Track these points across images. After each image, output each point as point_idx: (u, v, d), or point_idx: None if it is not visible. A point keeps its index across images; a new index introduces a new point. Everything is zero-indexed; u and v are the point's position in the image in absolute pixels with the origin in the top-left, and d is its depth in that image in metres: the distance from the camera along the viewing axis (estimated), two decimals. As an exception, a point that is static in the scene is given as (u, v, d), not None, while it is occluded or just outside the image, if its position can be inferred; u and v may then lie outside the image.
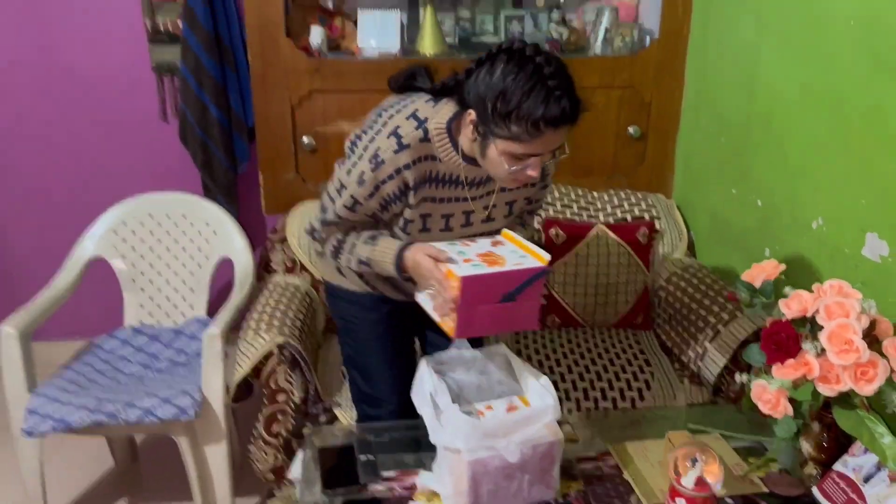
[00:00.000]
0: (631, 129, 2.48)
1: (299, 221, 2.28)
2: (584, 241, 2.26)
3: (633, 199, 2.42)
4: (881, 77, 1.56)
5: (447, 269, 1.34)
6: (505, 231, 1.52)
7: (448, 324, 1.39)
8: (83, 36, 2.47)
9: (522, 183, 1.39)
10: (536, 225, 2.31)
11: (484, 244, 1.47)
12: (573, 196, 2.42)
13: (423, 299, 1.48)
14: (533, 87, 1.21)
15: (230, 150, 2.50)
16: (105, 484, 2.26)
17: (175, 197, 2.27)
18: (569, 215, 2.37)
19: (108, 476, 2.28)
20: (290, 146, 2.39)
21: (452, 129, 1.37)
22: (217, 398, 1.87)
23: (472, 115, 1.30)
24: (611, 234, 2.28)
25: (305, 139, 2.39)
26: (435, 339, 1.77)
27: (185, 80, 2.42)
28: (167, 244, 2.24)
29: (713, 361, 1.94)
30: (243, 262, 2.18)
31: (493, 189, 1.48)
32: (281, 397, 1.86)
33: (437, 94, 1.40)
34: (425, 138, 1.36)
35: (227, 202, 2.50)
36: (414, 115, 1.38)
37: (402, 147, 1.35)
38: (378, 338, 1.69)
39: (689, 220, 2.46)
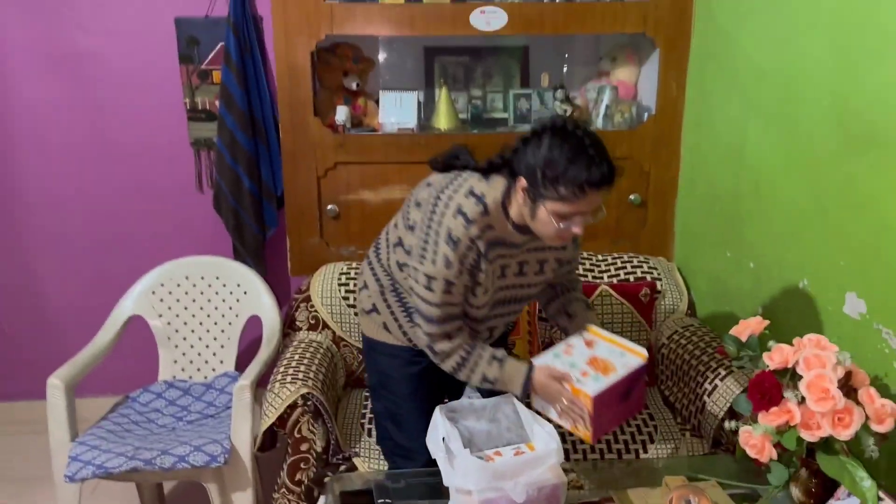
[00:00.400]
0: (632, 197, 2.65)
1: (322, 282, 2.45)
2: (590, 300, 2.40)
3: (635, 262, 2.57)
4: (851, 150, 1.72)
5: (573, 387, 1.58)
6: (590, 327, 1.76)
7: (581, 430, 1.61)
8: (130, 114, 2.72)
9: (567, 241, 1.59)
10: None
11: (581, 348, 1.69)
12: (580, 258, 2.58)
13: (543, 405, 1.68)
14: (577, 156, 1.44)
15: (260, 217, 2.70)
16: (133, 532, 2.37)
17: (209, 260, 2.46)
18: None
19: (137, 524, 2.40)
20: (316, 213, 2.59)
21: (505, 202, 1.58)
22: (245, 447, 2.00)
23: (522, 182, 1.50)
24: (615, 293, 2.43)
25: (330, 207, 2.58)
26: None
27: (221, 154, 2.64)
28: (201, 303, 2.42)
29: (711, 414, 2.05)
30: (271, 319, 2.35)
31: (532, 247, 1.68)
32: (304, 446, 1.99)
33: (485, 171, 1.60)
34: (485, 212, 1.56)
35: (256, 264, 2.68)
36: (472, 193, 1.57)
37: (469, 223, 1.54)
38: (414, 391, 1.84)
39: (689, 281, 2.60)
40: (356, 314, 2.41)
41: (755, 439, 1.47)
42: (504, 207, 1.58)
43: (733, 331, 1.66)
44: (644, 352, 1.63)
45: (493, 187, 1.57)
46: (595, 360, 1.63)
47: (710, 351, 2.19)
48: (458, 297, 1.62)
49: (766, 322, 1.63)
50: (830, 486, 1.54)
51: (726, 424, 1.55)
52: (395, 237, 1.75)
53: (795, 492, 1.59)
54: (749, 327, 1.64)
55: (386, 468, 2.01)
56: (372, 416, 2.22)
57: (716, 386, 2.06)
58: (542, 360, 1.67)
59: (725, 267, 2.35)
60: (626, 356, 1.63)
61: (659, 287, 2.50)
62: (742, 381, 2.00)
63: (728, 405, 2.00)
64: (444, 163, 1.68)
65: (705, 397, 2.09)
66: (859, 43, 1.68)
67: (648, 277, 2.52)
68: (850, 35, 1.71)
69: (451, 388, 1.92)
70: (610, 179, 1.48)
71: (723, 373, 2.07)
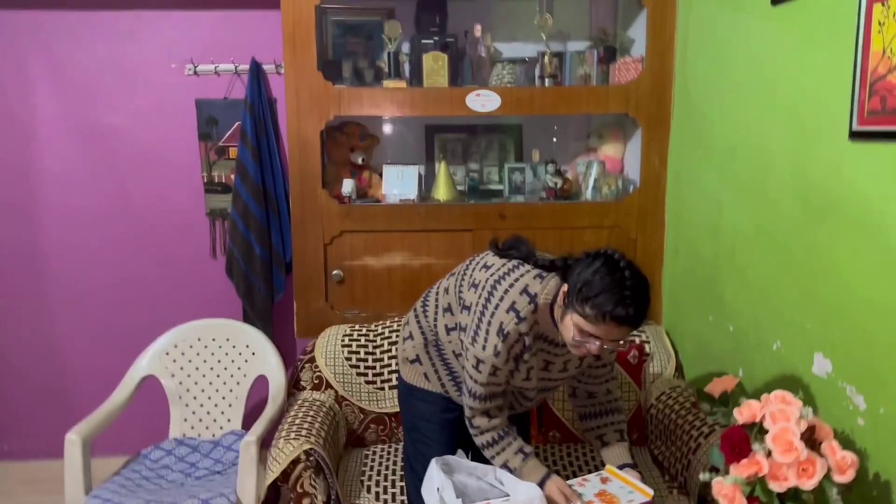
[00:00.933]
0: (620, 264, 2.80)
1: (326, 343, 2.59)
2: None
3: (624, 325, 2.69)
4: (811, 219, 1.88)
5: None
6: (609, 467, 1.92)
7: None
8: (150, 185, 2.93)
9: (584, 354, 1.70)
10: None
11: (594, 482, 1.85)
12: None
13: None
14: (612, 289, 1.56)
15: (269, 282, 2.87)
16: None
17: (220, 322, 2.61)
18: (566, 339, 2.65)
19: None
20: (322, 278, 2.75)
21: (553, 304, 1.72)
22: (250, 501, 2.10)
23: (565, 288, 1.66)
24: (604, 356, 2.55)
25: (335, 272, 2.74)
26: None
27: (235, 223, 2.83)
28: (211, 364, 2.56)
29: (696, 471, 2.14)
30: (277, 379, 2.47)
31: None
32: (306, 501, 2.08)
33: (544, 268, 1.75)
34: (535, 311, 1.71)
35: (264, 327, 2.83)
36: (526, 291, 1.71)
37: (520, 320, 1.70)
38: (446, 436, 1.98)
39: (677, 344, 2.72)
40: (358, 374, 2.53)
41: (726, 489, 1.57)
42: (551, 308, 1.72)
43: (707, 388, 1.79)
44: (650, 491, 1.78)
45: (546, 288, 1.72)
46: (604, 493, 1.79)
47: (696, 411, 2.29)
48: (502, 380, 1.77)
49: (737, 380, 1.76)
50: (802, 537, 1.63)
51: (700, 476, 1.65)
52: (446, 303, 1.93)
53: (771, 543, 1.67)
54: (721, 385, 1.77)
55: (384, 522, 2.10)
56: (371, 473, 2.32)
57: (700, 444, 2.16)
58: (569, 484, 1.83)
59: (708, 330, 2.48)
60: (633, 494, 1.78)
61: (647, 350, 2.62)
62: (723, 438, 2.10)
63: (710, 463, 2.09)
64: (503, 248, 1.84)
65: (690, 455, 2.18)
66: (812, 120, 1.85)
67: (637, 340, 2.64)
68: (805, 114, 1.89)
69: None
70: (633, 321, 1.59)
71: (706, 431, 2.17)
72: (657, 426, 2.45)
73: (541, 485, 1.74)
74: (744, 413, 1.63)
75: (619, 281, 1.57)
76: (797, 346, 1.96)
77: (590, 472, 2.33)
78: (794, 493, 1.56)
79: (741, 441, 1.59)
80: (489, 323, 1.73)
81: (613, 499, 1.73)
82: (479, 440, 1.83)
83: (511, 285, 1.74)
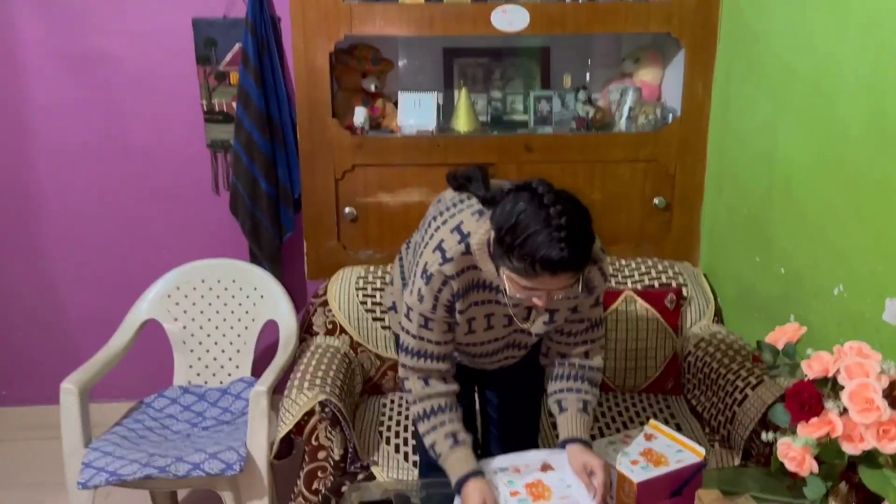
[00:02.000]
0: (656, 200, 2.59)
1: (339, 286, 2.41)
2: (614, 307, 2.34)
3: (660, 267, 2.50)
4: (888, 151, 1.65)
5: (619, 472, 1.50)
6: (653, 422, 1.68)
7: None
8: (145, 115, 2.70)
9: (533, 306, 1.44)
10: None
11: (639, 440, 1.63)
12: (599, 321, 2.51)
13: None
14: (538, 232, 1.28)
15: (276, 220, 2.66)
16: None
17: (225, 263, 2.43)
18: (597, 282, 2.46)
19: (151, 531, 2.35)
20: (333, 216, 2.55)
21: (490, 244, 1.43)
22: (261, 454, 1.96)
23: (491, 235, 1.39)
24: (640, 300, 2.36)
25: (347, 209, 2.54)
26: (493, 398, 1.87)
27: (238, 156, 2.61)
28: (217, 307, 2.38)
29: (742, 425, 1.98)
30: (288, 324, 2.30)
31: None
32: (321, 454, 1.94)
33: (486, 203, 1.46)
34: (467, 252, 1.45)
35: (272, 268, 2.64)
36: (458, 229, 1.47)
37: (445, 260, 1.44)
38: None
39: (716, 288, 2.53)
40: (374, 319, 2.36)
41: (795, 451, 1.40)
42: (489, 248, 1.43)
43: (769, 338, 1.59)
44: (702, 450, 1.58)
45: (482, 227, 1.44)
46: (650, 452, 1.59)
47: (740, 359, 2.12)
48: (437, 336, 1.52)
49: (804, 329, 1.56)
50: (873, 502, 1.47)
51: (763, 436, 1.47)
52: (414, 244, 1.71)
53: (835, 507, 1.52)
54: (785, 334, 1.57)
55: (407, 476, 1.96)
56: (390, 423, 2.18)
57: (746, 395, 1.99)
58: (597, 445, 1.61)
59: (754, 273, 2.28)
60: (683, 452, 1.59)
61: (685, 293, 2.43)
62: (775, 390, 1.93)
63: (760, 415, 1.93)
64: (458, 182, 1.57)
65: (735, 407, 2.02)
66: (894, 35, 1.61)
67: (674, 283, 2.45)
68: (884, 30, 1.64)
69: (482, 381, 1.85)
70: (571, 264, 1.29)
71: (754, 382, 2.00)
72: (696, 375, 2.28)
73: (460, 484, 1.46)
74: (814, 367, 1.44)
75: (545, 219, 1.28)
76: (864, 290, 1.76)
77: (624, 424, 2.18)
78: (868, 455, 1.39)
79: (812, 398, 1.41)
80: (417, 264, 1.51)
81: (661, 458, 1.56)
82: (412, 409, 1.57)
83: (444, 222, 1.50)
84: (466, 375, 1.76)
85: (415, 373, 1.55)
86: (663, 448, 1.61)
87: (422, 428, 1.56)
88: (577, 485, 1.51)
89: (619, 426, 2.16)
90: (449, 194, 1.62)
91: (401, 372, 1.58)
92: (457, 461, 1.50)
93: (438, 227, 1.51)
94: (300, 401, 1.91)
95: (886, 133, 1.66)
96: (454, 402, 1.57)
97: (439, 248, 1.46)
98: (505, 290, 1.42)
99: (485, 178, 1.52)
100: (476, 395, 1.91)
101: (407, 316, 1.54)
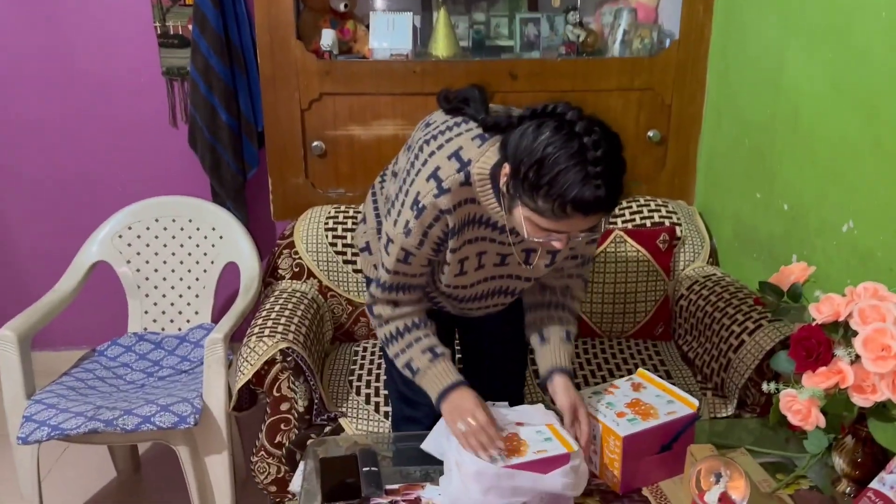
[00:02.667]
0: (651, 133, 2.40)
1: (307, 226, 2.22)
2: (602, 247, 2.18)
3: (653, 205, 2.33)
4: (916, 70, 1.47)
5: (605, 426, 1.37)
6: (641, 370, 1.54)
7: (609, 477, 1.40)
8: (92, 39, 2.46)
9: (548, 248, 1.28)
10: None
11: (626, 390, 1.48)
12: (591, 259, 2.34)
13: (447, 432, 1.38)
14: (571, 167, 1.10)
15: (239, 155, 2.46)
16: (106, 494, 2.20)
17: (181, 201, 2.23)
18: (585, 221, 2.29)
19: (110, 486, 2.23)
20: (300, 150, 2.35)
21: (496, 176, 1.26)
22: (219, 406, 1.81)
23: (506, 169, 1.20)
24: (630, 240, 2.20)
25: (315, 143, 2.34)
26: (477, 344, 1.72)
27: (195, 84, 2.39)
28: (172, 249, 2.20)
29: (737, 373, 1.84)
30: (249, 266, 2.13)
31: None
32: (284, 406, 1.79)
33: (488, 129, 1.28)
34: (466, 182, 1.26)
35: (236, 208, 2.46)
36: (457, 156, 1.27)
37: (441, 192, 1.26)
38: None
39: (712, 227, 2.37)
40: (345, 262, 2.19)
41: (800, 404, 1.26)
42: (494, 180, 1.26)
43: (773, 278, 1.43)
44: (695, 401, 1.44)
45: (485, 154, 1.27)
46: (637, 403, 1.44)
47: (737, 303, 1.97)
48: (416, 270, 1.37)
49: (812, 269, 1.41)
50: (881, 457, 1.34)
51: (764, 386, 1.33)
52: (392, 172, 1.51)
53: (839, 462, 1.39)
54: (791, 274, 1.42)
55: (378, 428, 1.82)
56: (361, 372, 2.03)
57: (743, 342, 1.85)
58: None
59: (754, 210, 2.11)
60: (674, 404, 1.44)
61: (678, 233, 2.27)
62: (774, 336, 1.79)
63: (757, 362, 1.79)
64: (452, 104, 1.37)
65: (731, 354, 1.88)
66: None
67: (667, 222, 2.28)
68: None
69: (462, 328, 1.69)
70: (606, 206, 1.14)
71: (751, 327, 1.86)
72: (688, 320, 2.14)
73: (443, 395, 1.35)
74: (823, 310, 1.29)
75: (578, 152, 1.11)
76: (877, 227, 1.60)
77: (610, 371, 2.04)
78: (878, 407, 1.25)
79: (821, 345, 1.26)
80: (406, 192, 1.31)
81: (650, 410, 1.42)
82: (381, 332, 1.43)
83: (440, 146, 1.30)
84: (447, 322, 1.60)
85: (384, 302, 1.41)
86: (652, 399, 1.46)
87: (393, 349, 1.42)
88: (555, 437, 1.36)
89: (604, 374, 2.02)
90: (440, 117, 1.40)
91: (367, 299, 1.44)
92: (438, 374, 1.37)
93: (433, 153, 1.31)
94: (259, 349, 1.75)
95: (912, 49, 1.47)
96: (426, 318, 1.43)
97: (434, 176, 1.27)
98: (508, 228, 1.27)
99: (483, 100, 1.33)
100: (457, 345, 1.76)
101: (386, 249, 1.36)
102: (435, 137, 1.34)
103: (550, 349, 1.47)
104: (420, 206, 1.28)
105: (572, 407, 1.40)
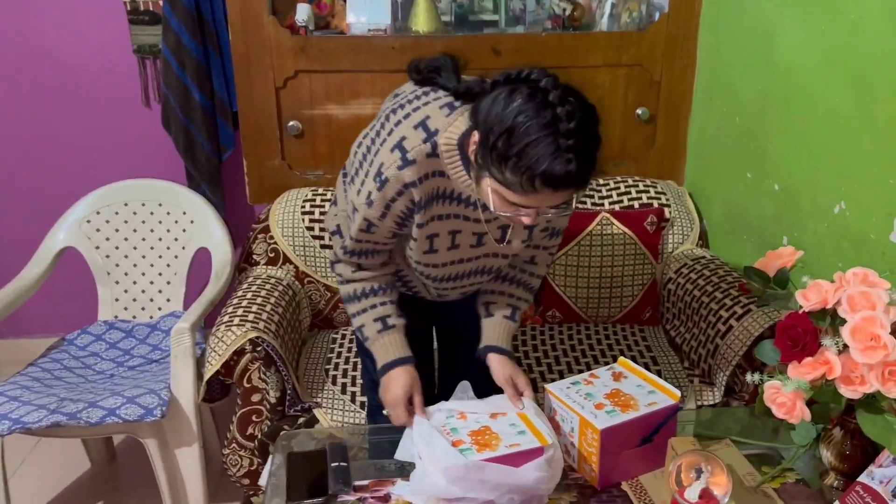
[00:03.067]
0: (639, 111, 2.32)
1: (283, 210, 2.15)
2: (588, 230, 2.11)
3: (641, 186, 2.26)
4: (912, 43, 1.39)
5: (582, 418, 1.31)
6: (622, 359, 1.48)
7: (587, 471, 1.34)
8: (59, 15, 2.36)
9: (516, 223, 1.22)
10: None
11: (606, 379, 1.43)
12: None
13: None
14: (542, 139, 1.04)
15: (214, 136, 2.38)
16: (80, 486, 2.15)
17: (150, 184, 2.16)
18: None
19: (84, 477, 2.18)
20: (275, 131, 2.26)
21: (464, 146, 1.19)
22: (187, 397, 1.75)
23: (475, 136, 1.14)
24: (617, 222, 2.13)
25: (291, 123, 2.26)
26: (445, 327, 1.66)
27: (167, 62, 2.30)
28: (142, 234, 2.13)
29: (725, 359, 1.78)
30: (221, 252, 2.06)
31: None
32: (255, 397, 1.73)
33: (459, 96, 1.22)
34: (433, 153, 1.20)
35: (212, 191, 2.38)
36: (423, 125, 1.21)
37: (406, 163, 1.20)
38: None
39: (702, 208, 2.30)
40: (322, 247, 2.12)
41: (785, 397, 1.20)
42: (463, 151, 1.20)
43: (759, 263, 1.37)
44: (677, 392, 1.37)
45: (453, 123, 1.20)
46: (617, 393, 1.38)
47: (725, 287, 1.90)
48: (380, 239, 1.33)
49: (799, 253, 1.34)
50: (870, 450, 1.28)
51: (748, 377, 1.27)
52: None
53: (826, 454, 1.33)
54: (778, 259, 1.35)
55: (354, 420, 1.77)
56: (338, 361, 1.97)
57: (731, 327, 1.79)
58: (558, 386, 1.41)
59: (745, 191, 2.04)
60: (656, 394, 1.38)
61: (667, 214, 2.19)
62: (763, 321, 1.72)
63: (745, 349, 1.73)
64: (422, 74, 1.30)
65: (718, 340, 1.82)
66: None
67: (655, 203, 2.21)
68: None
69: (437, 316, 1.62)
70: (578, 182, 1.08)
71: (739, 312, 1.79)
72: (675, 304, 2.07)
73: (385, 369, 1.34)
74: (811, 297, 1.22)
75: (551, 123, 1.04)
76: (870, 208, 1.53)
77: (595, 357, 1.98)
78: (869, 399, 1.19)
79: (807, 334, 1.19)
80: (371, 162, 1.26)
81: (629, 401, 1.36)
82: (342, 291, 1.41)
83: (407, 115, 1.23)
84: (422, 312, 1.55)
85: (348, 264, 1.38)
86: (633, 389, 1.40)
87: (351, 308, 1.40)
88: (528, 430, 1.30)
89: (588, 361, 1.96)
90: (409, 87, 1.33)
91: (331, 256, 1.41)
92: (382, 346, 1.36)
93: (399, 122, 1.24)
94: (227, 339, 1.69)
95: (909, 22, 1.39)
96: (389, 284, 1.40)
97: (399, 146, 1.21)
98: (479, 203, 1.21)
99: (455, 69, 1.27)
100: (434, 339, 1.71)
101: (352, 214, 1.32)
102: (402, 106, 1.27)
103: (492, 325, 1.46)
104: (383, 177, 1.22)
105: (509, 379, 1.39)
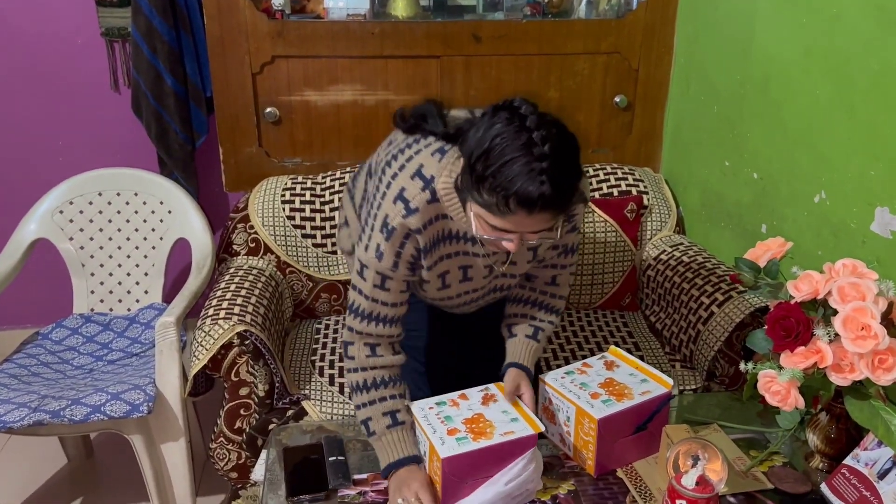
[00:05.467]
0: (617, 99, 2.34)
1: (262, 198, 2.11)
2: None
3: (619, 173, 2.28)
4: (890, 36, 1.43)
5: (578, 408, 1.33)
6: (613, 348, 1.51)
7: (582, 459, 1.37)
8: (25, -2, 2.26)
9: (502, 250, 1.23)
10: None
11: (598, 369, 1.44)
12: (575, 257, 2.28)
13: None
14: (516, 159, 1.06)
15: (187, 122, 2.31)
16: (57, 482, 2.10)
17: (126, 173, 2.09)
18: (552, 190, 2.24)
19: (61, 473, 2.12)
20: (252, 117, 2.21)
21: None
22: (173, 392, 1.72)
23: (462, 164, 1.17)
24: (597, 209, 2.15)
25: (269, 110, 2.21)
26: (459, 329, 1.62)
27: (138, 46, 2.22)
28: (118, 224, 2.07)
29: (706, 345, 1.83)
30: (201, 243, 2.01)
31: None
32: (243, 391, 1.71)
33: (448, 139, 1.25)
34: (433, 199, 1.24)
35: (185, 179, 2.32)
36: (419, 174, 1.24)
37: (410, 212, 1.23)
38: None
39: (679, 195, 2.33)
40: (304, 236, 2.09)
41: (780, 385, 1.23)
42: (460, 193, 1.22)
43: (749, 254, 1.40)
44: (669, 381, 1.40)
45: (446, 168, 1.23)
46: (611, 382, 1.41)
47: (705, 273, 1.95)
48: (392, 297, 1.32)
49: (789, 244, 1.38)
50: (855, 433, 1.34)
51: (742, 366, 1.30)
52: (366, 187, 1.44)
53: (812, 438, 1.38)
54: (768, 250, 1.38)
55: (342, 411, 1.76)
56: (324, 352, 1.95)
57: (712, 313, 1.83)
58: (553, 376, 1.43)
59: (722, 178, 2.08)
60: (649, 383, 1.41)
61: (646, 201, 2.23)
62: (743, 307, 1.77)
63: (726, 335, 1.77)
64: (408, 122, 1.32)
65: (700, 325, 1.86)
66: None
67: (634, 191, 2.24)
68: None
69: (461, 334, 1.62)
70: (553, 205, 1.09)
71: (720, 298, 1.84)
72: (655, 290, 2.11)
73: (394, 466, 1.28)
74: (802, 288, 1.26)
75: (526, 145, 1.06)
76: (851, 198, 1.58)
77: (578, 344, 2.01)
78: (856, 385, 1.24)
79: (800, 324, 1.23)
80: (375, 216, 1.28)
81: (624, 390, 1.39)
82: (350, 379, 1.36)
83: (402, 167, 1.27)
84: (442, 325, 1.57)
85: (362, 338, 1.34)
86: (626, 378, 1.43)
87: (357, 399, 1.35)
88: (521, 418, 1.31)
89: (573, 347, 1.99)
90: (399, 136, 1.36)
91: (346, 335, 1.37)
92: (392, 442, 1.30)
93: (396, 174, 1.27)
94: (214, 333, 1.66)
95: (890, 16, 1.42)
96: (399, 377, 1.37)
97: (401, 197, 1.24)
98: (479, 235, 1.21)
99: (440, 113, 1.29)
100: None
101: (360, 274, 1.32)
102: (395, 158, 1.30)
103: (514, 344, 1.46)
104: (390, 227, 1.25)
105: (516, 389, 1.38)
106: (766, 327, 1.29)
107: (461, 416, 1.31)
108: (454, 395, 1.37)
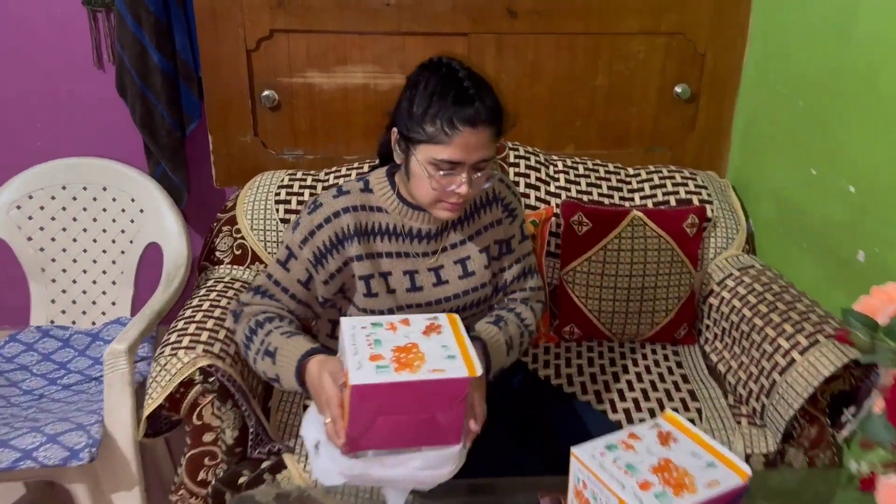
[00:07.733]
0: (678, 89, 1.97)
1: (253, 197, 1.81)
2: (615, 232, 1.77)
3: (677, 178, 1.92)
4: None
5: (623, 501, 0.99)
6: (669, 413, 1.17)
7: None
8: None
9: (454, 207, 1.23)
10: (555, 208, 1.83)
11: (651, 441, 1.11)
12: (602, 173, 1.93)
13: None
14: (446, 89, 1.18)
15: (176, 105, 2.02)
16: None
17: (94, 163, 1.81)
18: (596, 196, 1.87)
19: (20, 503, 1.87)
20: (247, 101, 1.91)
21: (394, 176, 1.32)
22: (125, 434, 1.43)
23: (395, 133, 1.24)
24: (649, 222, 1.79)
25: (266, 93, 1.90)
26: None
27: (122, 17, 1.93)
28: (84, 224, 1.79)
29: (784, 401, 1.46)
30: (175, 250, 1.72)
31: (450, 243, 1.34)
32: (208, 437, 1.41)
33: (382, 155, 1.35)
34: (366, 188, 1.31)
35: (173, 170, 2.03)
36: (361, 177, 1.35)
37: (341, 192, 1.30)
38: None
39: (749, 207, 1.96)
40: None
41: (910, 502, 0.87)
42: (391, 179, 1.31)
43: (862, 305, 1.03)
44: (746, 469, 1.03)
45: (376, 172, 1.34)
46: (667, 466, 1.05)
47: (783, 308, 1.57)
48: (289, 283, 1.28)
49: (922, 293, 1.00)
50: None
51: (853, 466, 0.95)
52: None
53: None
54: (891, 301, 1.01)
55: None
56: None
57: (792, 360, 1.46)
58: (588, 452, 1.09)
59: (806, 189, 1.70)
60: (717, 469, 1.05)
61: (709, 213, 1.86)
62: (835, 358, 1.40)
63: (810, 391, 1.40)
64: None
65: (775, 375, 1.49)
66: None
67: (696, 200, 1.87)
68: None
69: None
70: (489, 118, 1.18)
71: (803, 343, 1.47)
72: (718, 322, 1.75)
73: (302, 362, 1.16)
74: (945, 361, 0.89)
75: (450, 77, 1.19)
76: None
77: (622, 388, 1.66)
78: None
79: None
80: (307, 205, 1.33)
81: (684, 478, 1.02)
82: (239, 330, 1.27)
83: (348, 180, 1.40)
84: None
85: (247, 315, 1.27)
86: (687, 459, 1.07)
87: (252, 350, 1.24)
88: (460, 356, 1.06)
89: (612, 397, 1.63)
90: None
91: (232, 305, 1.33)
92: (294, 346, 1.20)
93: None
94: (171, 367, 1.36)
95: None
96: (291, 317, 1.30)
97: (337, 187, 1.32)
98: (414, 233, 1.29)
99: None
100: None
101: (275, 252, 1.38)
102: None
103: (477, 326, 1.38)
104: (317, 204, 1.28)
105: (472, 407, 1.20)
106: (883, 407, 0.94)
107: (393, 343, 1.08)
108: (397, 317, 1.15)
